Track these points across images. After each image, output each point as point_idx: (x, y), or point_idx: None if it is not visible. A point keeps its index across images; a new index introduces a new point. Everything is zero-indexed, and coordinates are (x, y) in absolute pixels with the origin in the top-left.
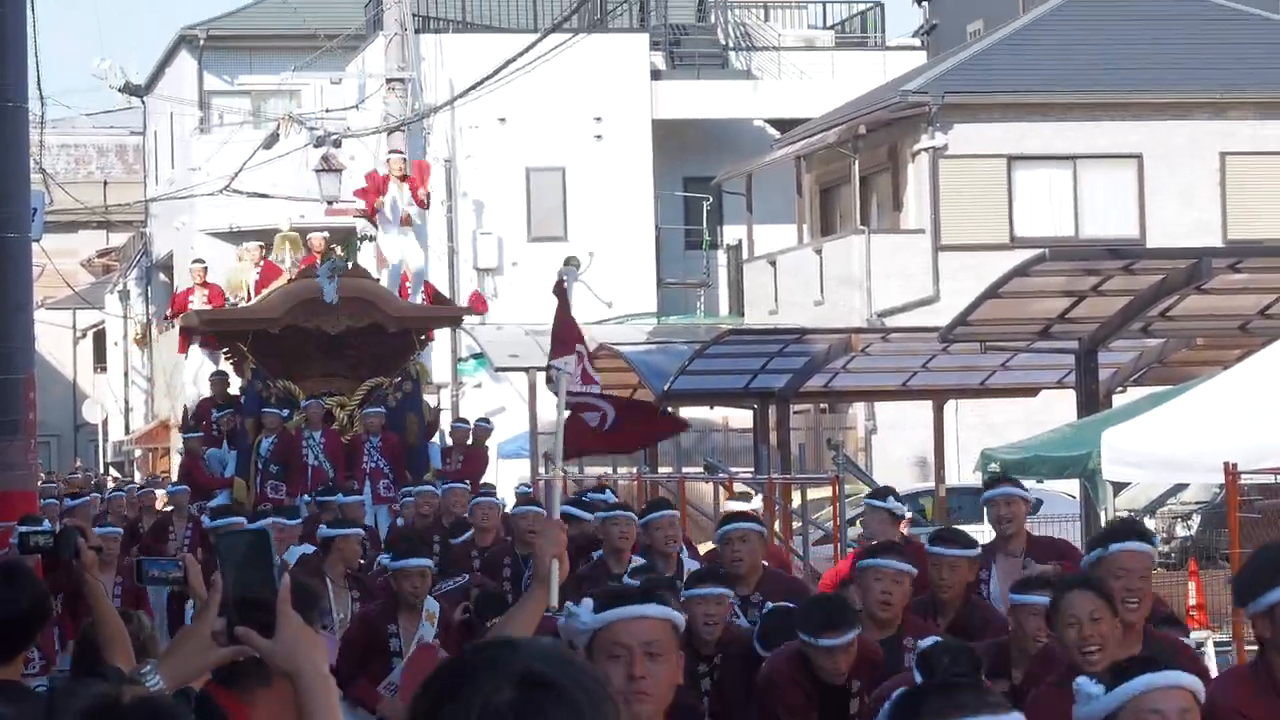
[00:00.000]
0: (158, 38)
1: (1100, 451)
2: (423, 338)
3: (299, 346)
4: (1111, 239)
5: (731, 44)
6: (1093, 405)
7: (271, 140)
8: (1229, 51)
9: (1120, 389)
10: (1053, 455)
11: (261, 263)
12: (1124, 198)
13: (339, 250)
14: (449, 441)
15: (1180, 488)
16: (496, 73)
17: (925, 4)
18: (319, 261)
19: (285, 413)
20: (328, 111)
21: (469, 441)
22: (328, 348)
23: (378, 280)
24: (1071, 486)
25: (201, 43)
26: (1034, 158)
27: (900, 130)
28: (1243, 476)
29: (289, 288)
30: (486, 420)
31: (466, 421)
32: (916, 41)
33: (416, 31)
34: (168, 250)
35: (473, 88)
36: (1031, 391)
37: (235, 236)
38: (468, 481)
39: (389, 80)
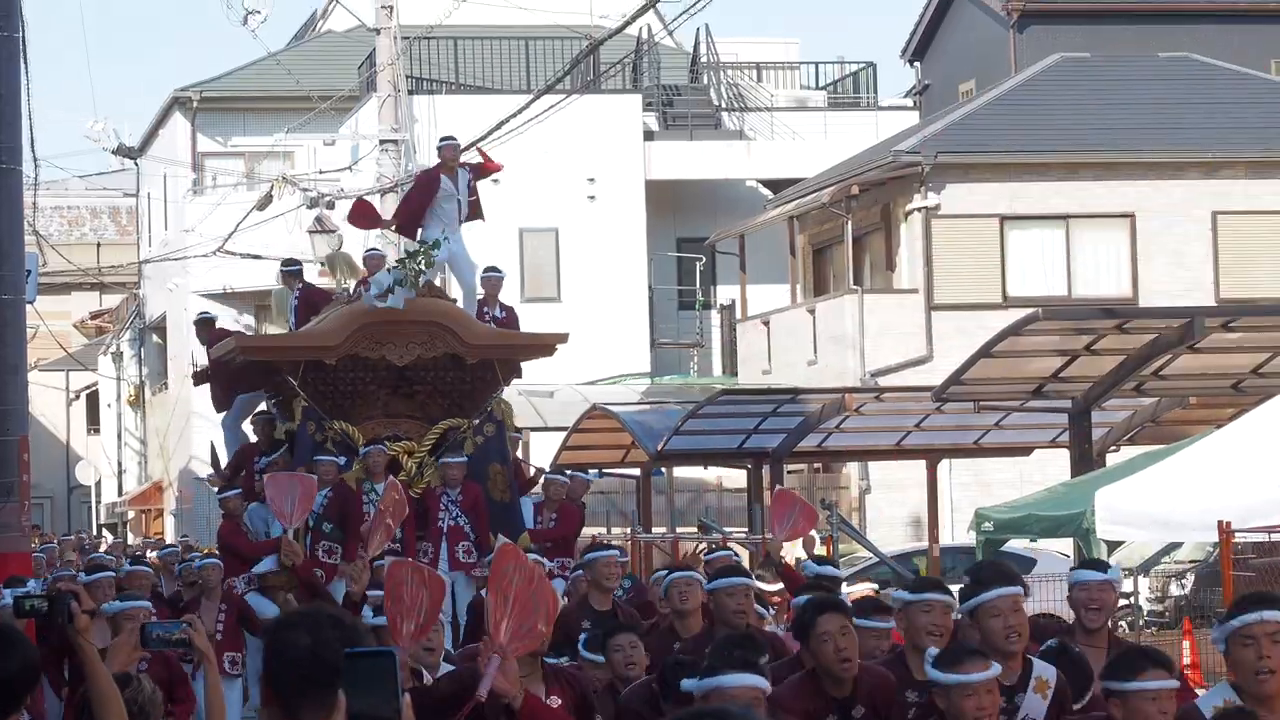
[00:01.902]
0: (151, 99)
1: (1094, 510)
2: (507, 372)
3: (359, 381)
4: (1104, 298)
5: (724, 105)
6: (1086, 464)
7: (265, 202)
8: (1221, 111)
9: (1114, 448)
10: (1046, 514)
11: (299, 287)
12: (1117, 257)
13: (408, 261)
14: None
15: (1174, 546)
16: (490, 134)
17: (917, 64)
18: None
19: (342, 460)
20: (321, 173)
21: (564, 495)
22: (393, 382)
23: (454, 302)
24: (1065, 546)
25: (195, 104)
26: (1026, 217)
27: (893, 190)
28: (1237, 535)
29: (349, 309)
30: (584, 470)
31: (563, 472)
32: (909, 102)
33: (410, 93)
34: (161, 312)
35: (466, 149)
36: (1025, 451)
37: (229, 298)
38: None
39: (382, 141)
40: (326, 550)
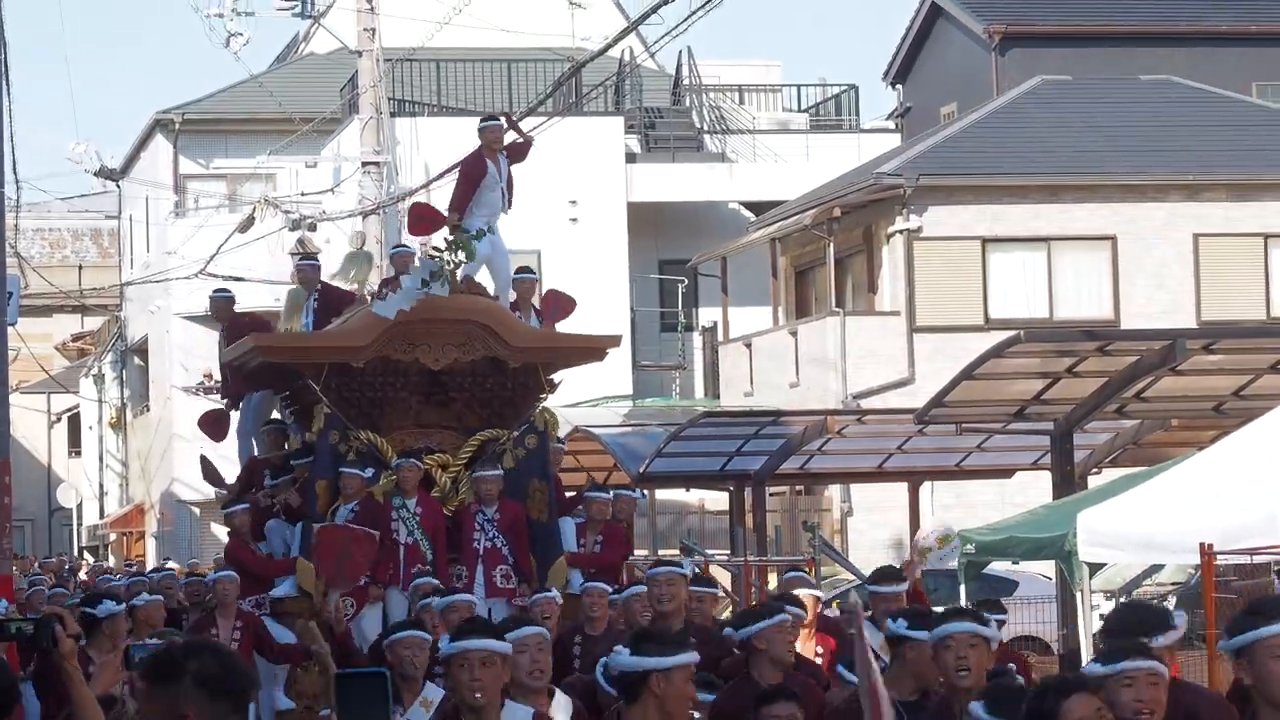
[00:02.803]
0: (133, 122)
1: (1076, 533)
2: (552, 378)
3: (388, 387)
4: (1086, 320)
5: (706, 127)
6: (1068, 486)
7: (247, 224)
8: (1202, 133)
9: (1096, 470)
10: (1028, 536)
11: (318, 286)
12: (1098, 279)
13: (445, 253)
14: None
15: (1156, 569)
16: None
17: (899, 87)
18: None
19: (369, 474)
20: (303, 195)
21: (609, 516)
22: (427, 388)
23: (495, 298)
24: (1047, 568)
25: (177, 126)
26: (1008, 240)
27: (875, 212)
28: (1219, 557)
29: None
30: (629, 489)
31: (605, 489)
32: (891, 124)
33: (392, 115)
34: (143, 334)
35: (448, 170)
36: (1007, 473)
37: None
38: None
39: (364, 163)
40: None
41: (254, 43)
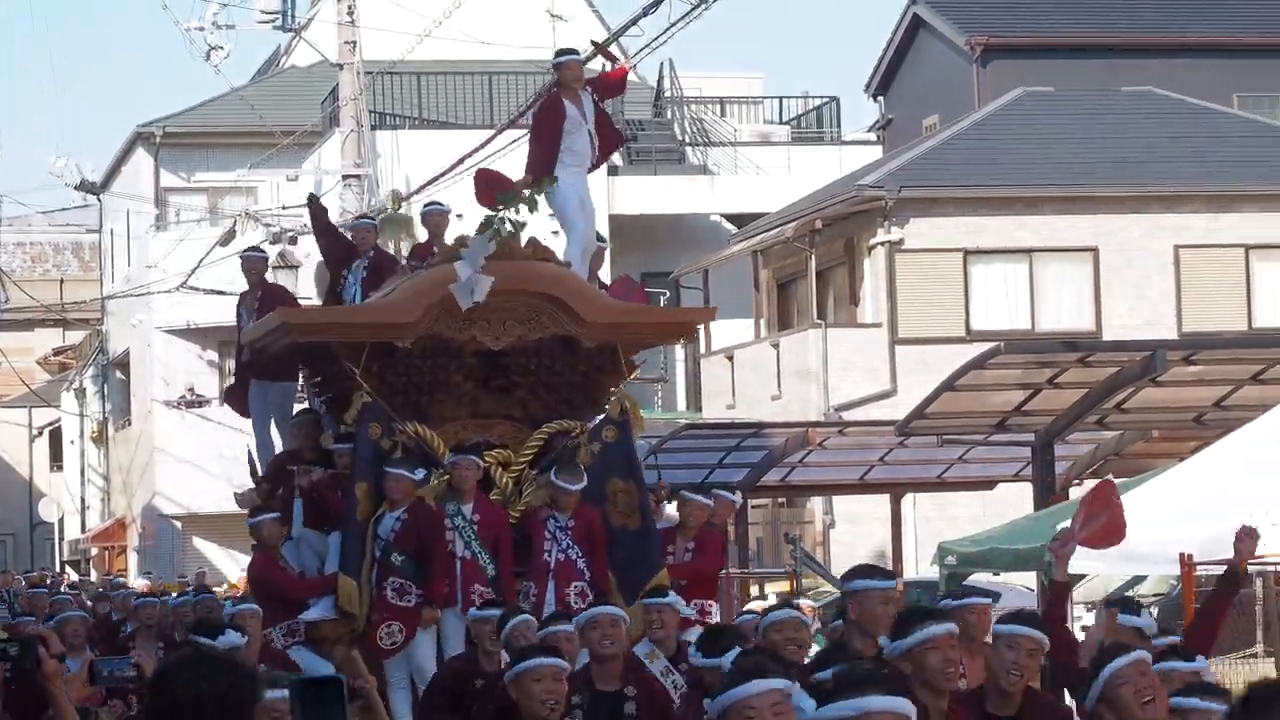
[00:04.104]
0: (114, 135)
1: None
2: (633, 358)
3: (439, 370)
4: (1067, 332)
5: (688, 140)
6: (1049, 498)
7: (228, 237)
8: (1183, 145)
9: (1077, 481)
10: (1010, 548)
11: (370, 252)
12: (1079, 291)
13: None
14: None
15: (1138, 579)
16: (452, 168)
17: (881, 99)
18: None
19: (420, 474)
20: (284, 208)
21: (698, 520)
22: (484, 373)
23: (568, 265)
24: (1029, 579)
25: (158, 140)
26: (990, 251)
27: (856, 224)
28: (1199, 568)
29: (430, 276)
30: (727, 490)
31: (703, 489)
32: (872, 136)
33: (373, 128)
34: (124, 348)
35: (429, 183)
36: (989, 484)
37: (192, 334)
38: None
39: (345, 176)
40: (397, 589)
41: (235, 56)
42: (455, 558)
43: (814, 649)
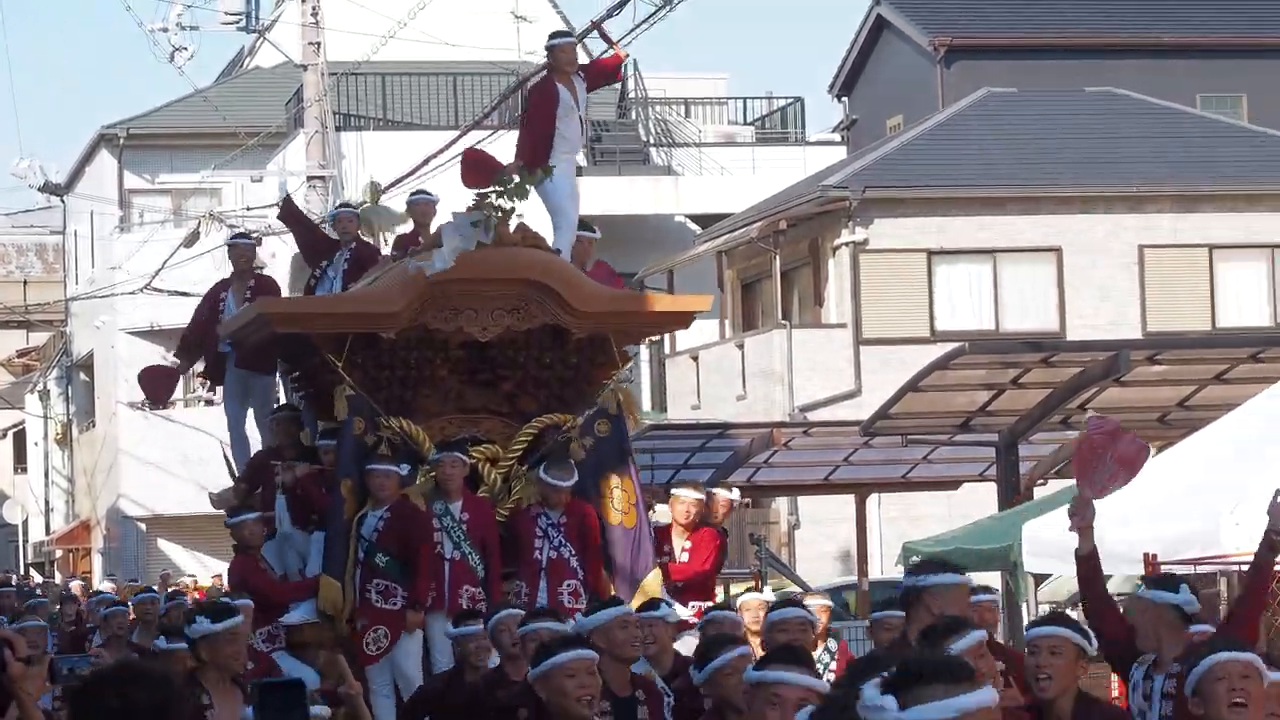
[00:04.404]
0: (78, 137)
1: (1021, 544)
2: (626, 349)
3: (425, 363)
4: (1031, 332)
5: (652, 140)
6: (1013, 498)
7: (192, 239)
8: (1146, 145)
9: (1041, 481)
10: (975, 548)
11: (351, 243)
12: (1043, 291)
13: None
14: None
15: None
16: (417, 170)
17: (845, 99)
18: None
19: (404, 470)
20: (249, 209)
21: (689, 517)
22: (471, 365)
23: (558, 253)
24: (994, 579)
25: (121, 141)
26: (954, 252)
27: (821, 225)
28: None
29: (416, 264)
30: (726, 486)
31: (697, 485)
32: (837, 137)
33: (337, 129)
34: (88, 350)
35: (394, 184)
36: (953, 484)
37: (157, 335)
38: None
39: (310, 178)
40: (382, 592)
41: (199, 57)
42: (444, 559)
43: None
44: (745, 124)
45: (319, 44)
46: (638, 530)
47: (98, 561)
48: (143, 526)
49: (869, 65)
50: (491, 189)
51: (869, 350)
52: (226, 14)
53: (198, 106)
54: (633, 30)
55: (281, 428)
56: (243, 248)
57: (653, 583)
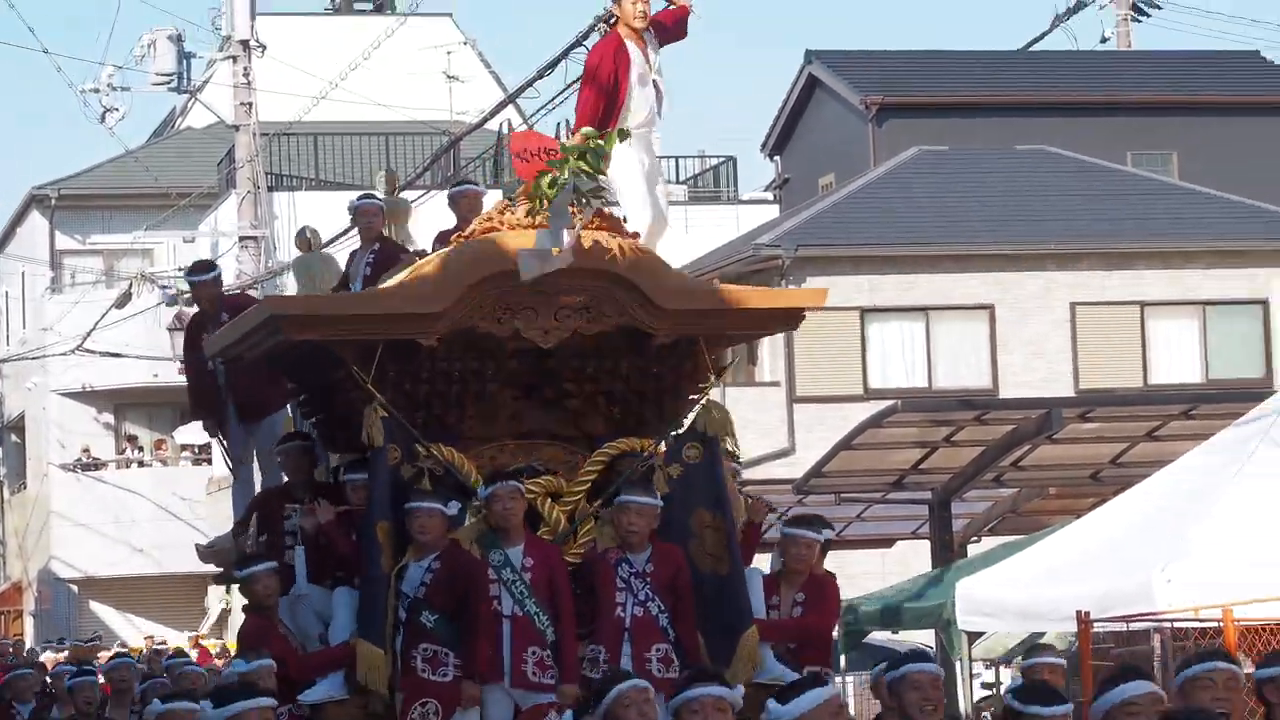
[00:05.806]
0: (8, 197)
1: (955, 602)
2: (716, 357)
3: (472, 376)
4: (965, 390)
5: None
6: (947, 555)
7: (124, 299)
8: (1077, 202)
9: (975, 539)
10: (909, 606)
11: (376, 243)
12: (976, 348)
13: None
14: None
15: (1037, 637)
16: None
17: (777, 158)
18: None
19: (453, 509)
20: (180, 270)
21: (798, 562)
22: (528, 378)
23: (636, 238)
24: (928, 637)
25: (53, 202)
26: (887, 310)
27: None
28: (1095, 624)
29: (471, 251)
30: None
31: (810, 523)
32: (769, 195)
33: (269, 189)
34: (20, 411)
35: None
36: (887, 542)
37: (88, 397)
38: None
39: (242, 238)
40: (429, 659)
41: (130, 118)
42: (502, 618)
43: None
44: (678, 183)
45: (251, 104)
46: (732, 578)
47: (30, 624)
48: (74, 588)
49: (801, 124)
50: (551, 173)
51: (802, 408)
52: (158, 75)
53: (129, 167)
54: (565, 89)
55: (292, 461)
56: (205, 285)
57: (750, 643)
